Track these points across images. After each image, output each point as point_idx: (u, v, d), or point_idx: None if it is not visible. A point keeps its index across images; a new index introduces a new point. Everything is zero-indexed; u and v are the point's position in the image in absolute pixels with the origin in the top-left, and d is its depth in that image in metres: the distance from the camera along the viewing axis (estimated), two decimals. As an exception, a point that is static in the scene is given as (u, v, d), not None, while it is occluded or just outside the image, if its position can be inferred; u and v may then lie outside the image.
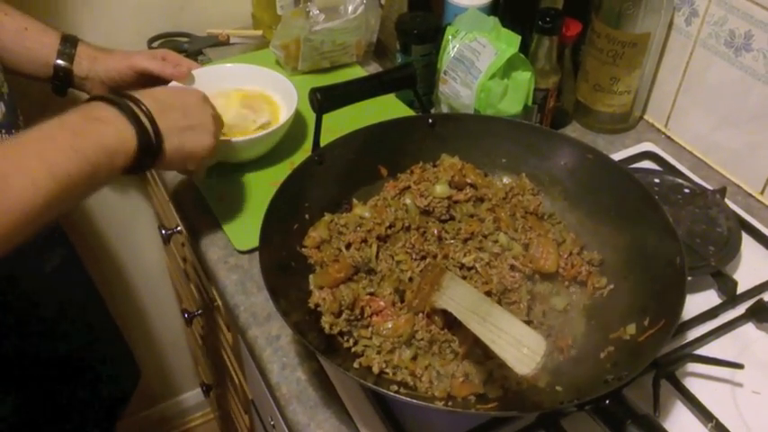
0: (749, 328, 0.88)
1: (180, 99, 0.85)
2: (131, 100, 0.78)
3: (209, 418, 2.03)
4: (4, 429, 0.95)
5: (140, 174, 0.82)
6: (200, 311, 1.39)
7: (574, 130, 1.19)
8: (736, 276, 0.91)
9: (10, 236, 0.64)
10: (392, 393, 0.69)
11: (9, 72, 0.98)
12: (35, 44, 1.04)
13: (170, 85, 1.08)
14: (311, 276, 0.83)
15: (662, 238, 0.80)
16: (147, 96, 0.80)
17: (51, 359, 1.04)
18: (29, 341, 1.00)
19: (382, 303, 0.80)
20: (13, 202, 0.63)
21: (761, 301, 0.89)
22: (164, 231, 1.28)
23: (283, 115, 1.07)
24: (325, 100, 0.92)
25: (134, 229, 1.58)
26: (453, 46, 1.07)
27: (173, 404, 1.98)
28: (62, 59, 1.05)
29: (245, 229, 0.98)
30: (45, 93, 1.08)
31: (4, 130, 0.87)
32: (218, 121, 0.90)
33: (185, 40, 1.33)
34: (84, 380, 1.11)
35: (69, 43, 1.06)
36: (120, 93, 0.79)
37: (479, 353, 0.75)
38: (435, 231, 0.86)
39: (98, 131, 0.72)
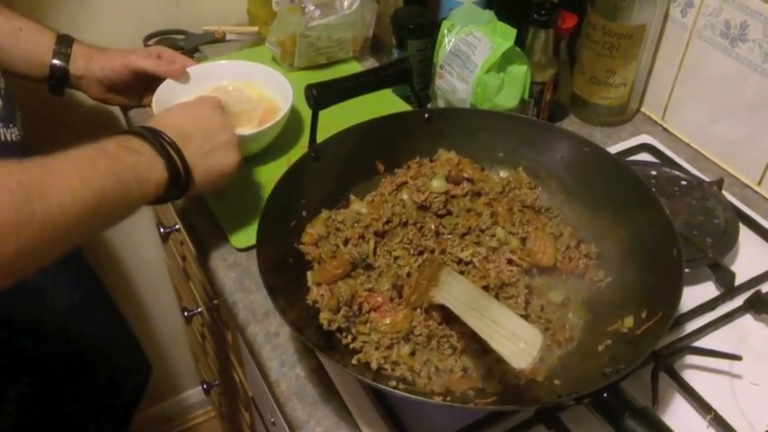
0: (747, 320, 0.88)
1: (198, 119, 0.85)
2: (155, 132, 0.79)
3: (210, 416, 2.04)
4: (12, 426, 0.95)
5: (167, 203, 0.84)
6: (199, 309, 1.39)
7: (571, 124, 1.19)
8: (733, 268, 0.91)
9: (48, 245, 0.65)
10: (391, 389, 0.69)
11: (5, 73, 0.98)
12: (30, 44, 1.04)
13: (165, 83, 1.08)
14: (309, 273, 0.83)
15: (659, 230, 0.80)
16: (167, 126, 0.81)
17: (61, 354, 1.04)
18: (35, 337, 1.00)
19: (380, 299, 0.80)
20: (53, 207, 0.63)
21: (758, 292, 0.89)
22: (162, 230, 1.28)
23: (279, 112, 1.06)
24: (321, 96, 0.92)
25: (132, 228, 1.58)
26: (449, 40, 1.07)
27: (174, 402, 1.99)
28: (58, 59, 1.05)
29: (243, 227, 0.98)
30: (41, 91, 1.08)
31: (2, 124, 0.87)
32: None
33: (181, 37, 1.33)
34: (98, 374, 1.11)
35: (65, 43, 1.06)
36: (143, 126, 0.80)
37: (478, 348, 0.75)
38: (433, 226, 0.86)
39: (132, 159, 0.74)
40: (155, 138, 0.78)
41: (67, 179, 0.66)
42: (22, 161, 0.65)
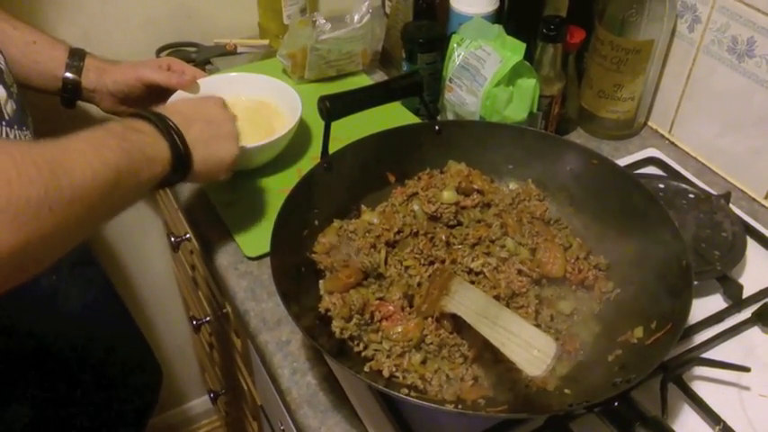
0: (755, 332, 0.88)
1: (202, 110, 0.89)
2: (159, 116, 0.81)
3: (215, 425, 2.03)
4: (24, 429, 0.95)
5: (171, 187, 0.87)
6: (208, 318, 1.39)
7: (578, 137, 1.20)
8: (741, 280, 0.92)
9: (76, 224, 0.65)
10: (403, 396, 0.69)
11: (18, 85, 0.99)
12: (44, 57, 1.05)
13: (176, 94, 1.09)
14: (321, 282, 0.84)
15: (667, 242, 0.80)
16: (171, 111, 0.83)
17: (73, 355, 1.05)
18: (48, 338, 1.01)
19: (392, 308, 0.80)
20: (78, 182, 0.64)
21: (766, 304, 0.89)
22: (173, 239, 1.29)
23: (288, 123, 1.08)
24: (334, 108, 0.93)
25: (143, 237, 1.59)
26: (458, 54, 1.09)
27: (179, 412, 1.98)
28: (70, 72, 1.06)
29: (254, 236, 0.99)
30: (53, 103, 1.09)
31: (16, 126, 0.88)
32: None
33: (193, 49, 1.34)
34: (111, 375, 1.12)
35: (77, 56, 1.07)
36: (148, 110, 0.82)
37: (488, 356, 0.76)
38: (443, 237, 0.87)
39: (139, 139, 0.77)
40: (159, 120, 0.80)
41: (84, 156, 0.67)
42: (37, 141, 0.66)
